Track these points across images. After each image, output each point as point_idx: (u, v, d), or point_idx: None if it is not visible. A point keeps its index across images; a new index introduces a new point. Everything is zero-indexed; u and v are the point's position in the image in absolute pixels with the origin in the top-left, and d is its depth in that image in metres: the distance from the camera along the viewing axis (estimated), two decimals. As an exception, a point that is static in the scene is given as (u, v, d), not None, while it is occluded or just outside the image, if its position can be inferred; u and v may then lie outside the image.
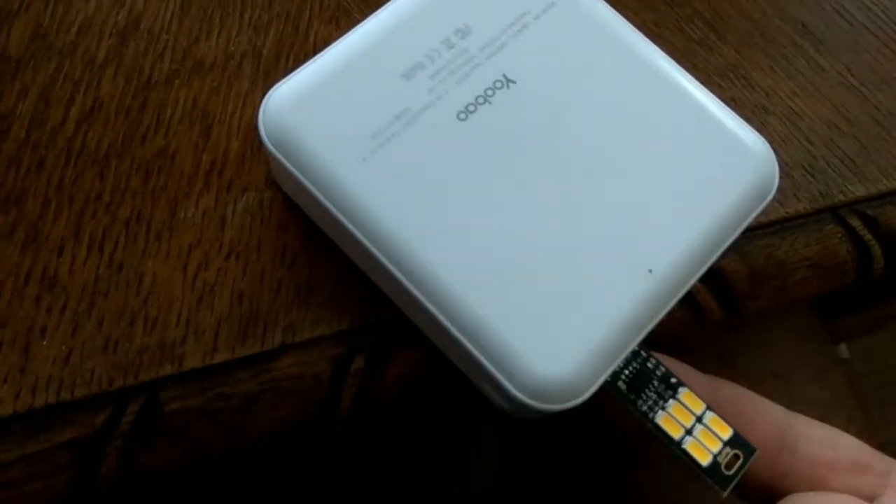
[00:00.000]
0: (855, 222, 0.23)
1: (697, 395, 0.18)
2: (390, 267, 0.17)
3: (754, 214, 0.19)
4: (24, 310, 0.19)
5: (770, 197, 0.19)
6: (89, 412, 0.18)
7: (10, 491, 0.17)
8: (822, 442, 0.18)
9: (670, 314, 0.18)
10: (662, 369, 0.18)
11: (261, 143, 0.18)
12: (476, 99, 0.19)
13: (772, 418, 0.19)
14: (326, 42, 0.19)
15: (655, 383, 0.18)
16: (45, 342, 0.19)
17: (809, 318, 0.40)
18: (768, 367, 0.37)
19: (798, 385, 0.37)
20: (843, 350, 0.65)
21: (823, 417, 0.19)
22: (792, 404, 0.19)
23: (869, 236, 0.23)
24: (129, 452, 0.18)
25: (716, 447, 0.18)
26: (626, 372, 0.18)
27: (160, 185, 0.21)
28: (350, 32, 0.19)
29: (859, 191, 0.23)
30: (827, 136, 0.24)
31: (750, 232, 0.20)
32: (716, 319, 0.22)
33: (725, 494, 0.17)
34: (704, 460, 0.18)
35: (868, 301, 0.47)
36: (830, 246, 0.22)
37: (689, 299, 0.19)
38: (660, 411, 0.18)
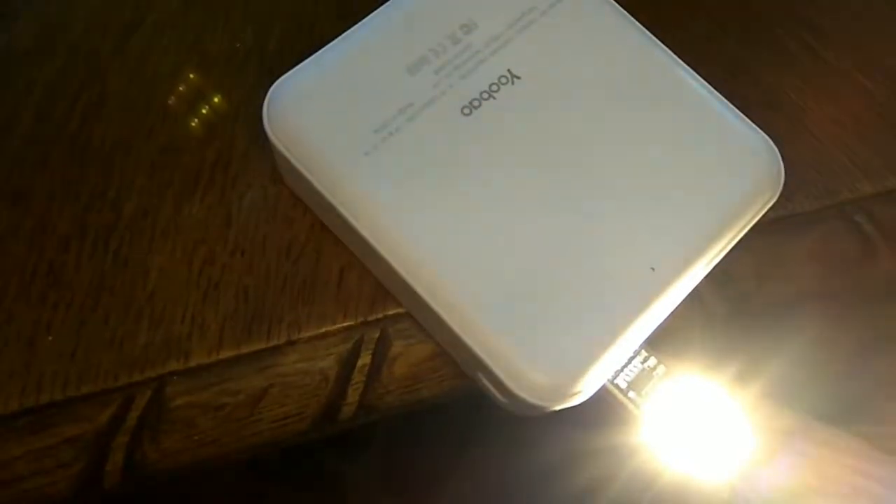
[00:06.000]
0: (860, 219, 0.23)
1: None
2: (392, 263, 0.17)
3: (758, 214, 0.19)
4: (30, 305, 0.19)
5: (775, 196, 0.19)
6: (95, 408, 0.18)
7: (16, 486, 0.17)
8: None
9: (674, 312, 0.18)
10: (663, 369, 0.18)
11: (265, 137, 0.18)
12: (480, 94, 0.19)
13: None
14: (331, 38, 0.19)
15: (656, 383, 0.18)
16: (50, 338, 0.19)
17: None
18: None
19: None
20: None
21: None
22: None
23: (875, 233, 0.23)
24: (135, 448, 0.18)
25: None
26: (628, 370, 0.18)
27: (165, 180, 0.21)
28: (355, 27, 0.19)
29: (865, 187, 0.23)
30: (833, 133, 0.24)
31: (756, 228, 0.19)
32: (721, 317, 0.22)
33: None
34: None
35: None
36: (836, 243, 0.22)
37: (693, 296, 0.19)
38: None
